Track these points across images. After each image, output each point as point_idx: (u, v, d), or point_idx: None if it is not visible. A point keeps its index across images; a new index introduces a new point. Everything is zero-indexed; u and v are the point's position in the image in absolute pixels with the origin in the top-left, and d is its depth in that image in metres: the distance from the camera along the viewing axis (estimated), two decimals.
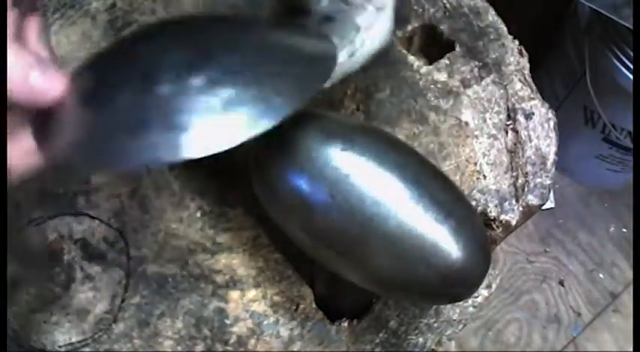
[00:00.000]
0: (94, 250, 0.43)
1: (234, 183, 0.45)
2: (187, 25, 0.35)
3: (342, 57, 0.41)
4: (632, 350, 0.55)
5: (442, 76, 0.50)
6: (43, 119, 0.31)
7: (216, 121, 0.29)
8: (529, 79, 0.51)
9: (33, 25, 0.33)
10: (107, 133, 0.30)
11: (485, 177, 0.47)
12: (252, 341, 0.43)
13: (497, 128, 0.49)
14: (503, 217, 0.46)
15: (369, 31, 0.42)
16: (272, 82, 0.31)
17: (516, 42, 0.52)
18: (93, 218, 0.43)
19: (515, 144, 0.49)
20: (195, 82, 0.30)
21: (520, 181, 0.47)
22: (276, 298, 0.44)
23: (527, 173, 0.48)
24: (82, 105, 0.31)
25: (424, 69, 0.50)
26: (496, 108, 0.49)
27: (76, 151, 0.30)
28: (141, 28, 0.39)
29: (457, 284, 0.37)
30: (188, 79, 0.30)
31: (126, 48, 0.34)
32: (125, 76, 0.31)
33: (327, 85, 0.43)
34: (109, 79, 0.32)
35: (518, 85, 0.50)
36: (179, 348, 0.42)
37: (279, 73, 0.32)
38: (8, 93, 0.28)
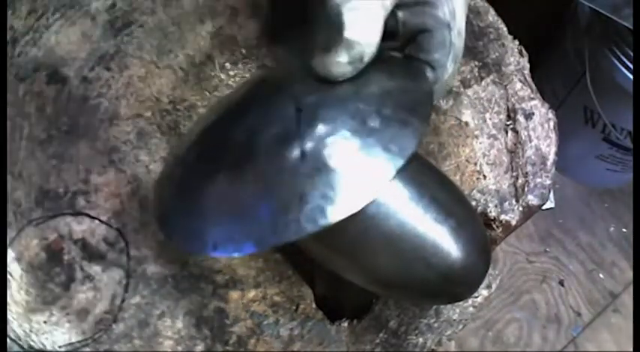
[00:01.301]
0: (94, 250, 0.43)
1: None
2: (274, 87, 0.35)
3: (450, 67, 0.38)
4: (632, 350, 0.55)
5: None
6: None
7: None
8: (529, 79, 0.51)
9: None
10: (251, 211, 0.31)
11: (485, 177, 0.47)
12: (252, 341, 0.43)
13: (497, 128, 0.49)
14: (503, 217, 0.46)
15: (455, 20, 0.37)
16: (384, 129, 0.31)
17: (516, 42, 0.52)
18: (93, 218, 0.43)
19: (515, 144, 0.49)
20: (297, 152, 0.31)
21: (520, 181, 0.47)
22: (276, 298, 0.44)
23: (527, 173, 0.48)
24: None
25: None
26: (496, 108, 0.49)
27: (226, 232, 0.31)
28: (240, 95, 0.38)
29: (457, 284, 0.37)
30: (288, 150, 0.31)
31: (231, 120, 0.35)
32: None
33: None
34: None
35: (518, 85, 0.50)
36: (179, 348, 0.42)
37: (389, 119, 0.32)
38: None
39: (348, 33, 0.32)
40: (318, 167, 0.30)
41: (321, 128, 0.31)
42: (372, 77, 0.34)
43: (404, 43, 0.38)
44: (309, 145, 0.30)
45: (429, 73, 0.37)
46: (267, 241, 0.30)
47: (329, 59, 0.33)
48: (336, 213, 0.29)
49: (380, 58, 0.34)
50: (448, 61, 0.37)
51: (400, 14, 0.37)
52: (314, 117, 0.31)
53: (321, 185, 0.29)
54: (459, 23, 0.37)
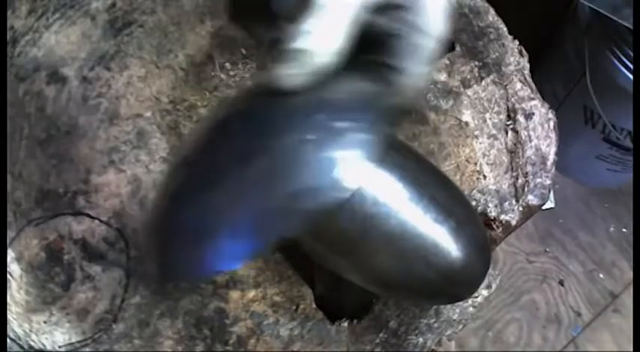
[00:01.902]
0: (94, 250, 0.43)
1: None
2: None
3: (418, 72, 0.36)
4: (632, 350, 0.55)
5: (442, 76, 0.50)
6: None
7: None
8: (529, 79, 0.51)
9: None
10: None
11: (485, 177, 0.47)
12: (252, 341, 0.43)
13: (497, 128, 0.49)
14: (503, 217, 0.46)
15: (429, 24, 0.35)
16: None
17: (516, 42, 0.52)
18: (93, 218, 0.43)
19: (515, 144, 0.49)
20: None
21: (520, 181, 0.47)
22: (276, 298, 0.44)
23: (527, 173, 0.48)
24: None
25: None
26: (496, 108, 0.49)
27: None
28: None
29: (457, 284, 0.37)
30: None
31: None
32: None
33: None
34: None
35: (518, 85, 0.50)
36: (179, 348, 0.42)
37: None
38: None
39: (298, 43, 0.30)
40: (232, 203, 0.29)
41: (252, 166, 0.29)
42: (330, 87, 0.32)
43: (376, 47, 0.37)
44: (233, 182, 0.29)
45: (395, 81, 0.35)
46: (210, 269, 0.29)
47: (279, 71, 0.31)
48: (241, 257, 0.28)
49: (349, 65, 0.33)
50: (417, 66, 0.35)
51: (374, 17, 0.36)
52: (245, 156, 0.29)
53: (231, 224, 0.28)
54: (434, 27, 0.35)
